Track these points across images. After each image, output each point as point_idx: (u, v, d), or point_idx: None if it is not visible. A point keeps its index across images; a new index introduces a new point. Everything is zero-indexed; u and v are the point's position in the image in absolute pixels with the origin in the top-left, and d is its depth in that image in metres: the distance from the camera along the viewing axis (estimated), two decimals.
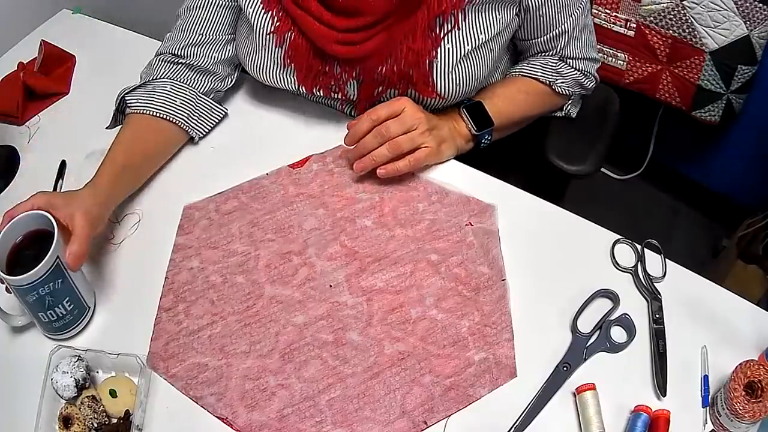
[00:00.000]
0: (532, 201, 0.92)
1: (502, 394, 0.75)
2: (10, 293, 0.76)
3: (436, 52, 0.88)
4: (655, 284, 0.82)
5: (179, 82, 0.97)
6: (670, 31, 1.52)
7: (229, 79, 1.02)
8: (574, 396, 0.74)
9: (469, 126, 0.95)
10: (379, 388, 0.76)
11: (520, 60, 1.04)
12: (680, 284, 0.82)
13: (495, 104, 0.97)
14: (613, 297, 0.81)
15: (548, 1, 0.91)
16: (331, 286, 0.84)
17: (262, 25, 0.91)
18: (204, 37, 0.97)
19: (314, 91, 0.95)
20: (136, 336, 0.81)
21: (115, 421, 0.74)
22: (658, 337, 0.77)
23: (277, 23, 0.90)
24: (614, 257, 0.85)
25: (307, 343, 0.80)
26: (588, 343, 0.78)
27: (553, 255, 0.86)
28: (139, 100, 0.94)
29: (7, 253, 0.75)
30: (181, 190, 0.95)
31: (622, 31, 1.58)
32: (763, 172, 1.66)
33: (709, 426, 0.72)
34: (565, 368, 0.76)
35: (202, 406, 0.75)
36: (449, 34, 0.87)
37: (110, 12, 1.29)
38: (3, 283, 0.75)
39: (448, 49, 0.88)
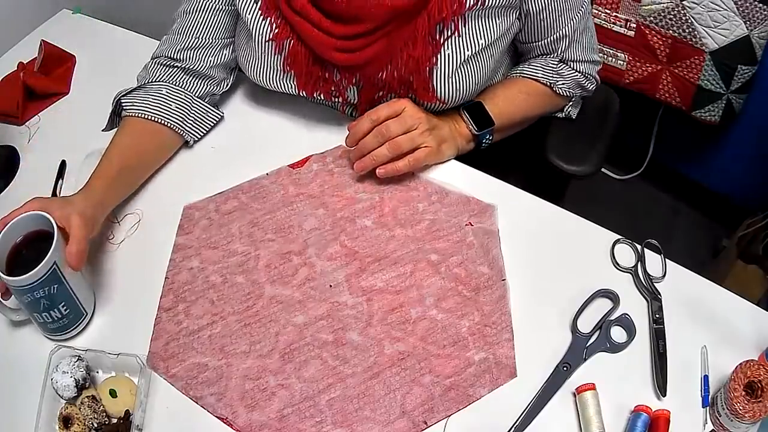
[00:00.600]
0: (532, 201, 0.92)
1: (502, 394, 0.75)
2: (11, 296, 0.76)
3: (436, 59, 0.88)
4: (655, 284, 0.82)
5: (174, 85, 0.97)
6: (670, 31, 1.52)
7: (225, 83, 1.02)
8: (574, 396, 0.74)
9: (470, 126, 0.95)
10: (379, 388, 0.76)
11: (521, 61, 1.04)
12: (680, 284, 0.82)
13: (495, 104, 0.97)
14: (613, 297, 0.81)
15: (549, 5, 0.91)
16: (331, 286, 0.84)
17: (260, 32, 0.91)
18: (200, 40, 0.96)
19: (315, 95, 0.95)
20: (136, 336, 0.81)
21: (115, 421, 0.74)
22: (658, 337, 0.77)
23: (276, 30, 0.90)
24: (614, 257, 0.85)
25: (307, 343, 0.80)
26: (588, 343, 0.78)
27: (553, 255, 0.86)
28: (134, 103, 0.94)
29: (6, 254, 0.75)
30: (181, 190, 0.95)
31: (622, 31, 1.58)
32: (763, 172, 1.67)
33: (709, 426, 0.72)
34: (565, 368, 0.76)
35: (202, 406, 0.75)
36: (449, 40, 0.87)
37: (110, 12, 1.29)
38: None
39: (448, 55, 0.88)
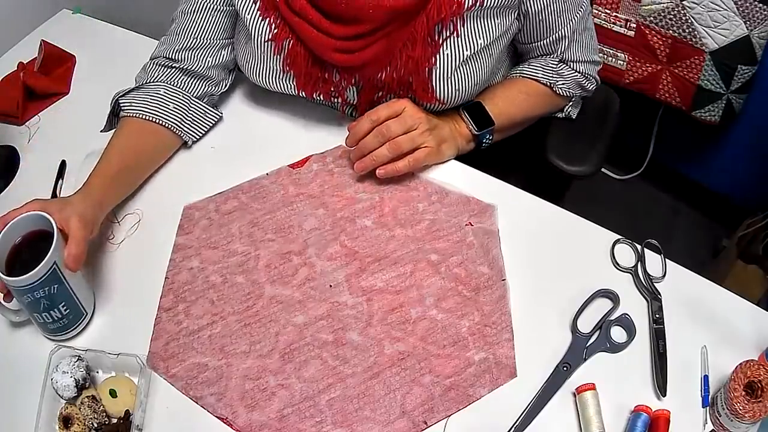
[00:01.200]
0: (532, 201, 0.92)
1: (502, 394, 0.75)
2: (12, 298, 0.76)
3: (435, 59, 0.88)
4: (655, 284, 0.82)
5: (173, 86, 0.97)
6: (670, 31, 1.52)
7: (224, 84, 1.02)
8: (574, 396, 0.74)
9: (470, 126, 0.95)
10: (379, 388, 0.76)
11: (521, 62, 1.04)
12: (680, 284, 0.82)
13: (496, 104, 0.97)
14: (613, 297, 0.81)
15: (548, 6, 0.91)
16: (331, 286, 0.84)
17: (259, 33, 0.91)
18: (198, 41, 0.96)
19: (314, 96, 0.95)
20: (136, 336, 0.81)
21: (115, 421, 0.74)
22: (658, 337, 0.77)
23: (275, 30, 0.90)
24: (614, 257, 0.85)
25: (307, 343, 0.80)
26: (588, 343, 0.78)
27: (553, 255, 0.86)
28: (132, 104, 0.94)
29: (6, 254, 0.75)
30: (181, 190, 0.95)
31: (622, 31, 1.58)
32: (763, 172, 1.67)
33: (709, 426, 0.72)
34: (565, 368, 0.76)
35: (202, 406, 0.75)
36: (448, 41, 0.87)
37: (110, 12, 1.29)
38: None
39: (447, 55, 0.88)
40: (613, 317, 0.80)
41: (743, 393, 0.68)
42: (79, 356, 0.75)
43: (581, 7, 0.94)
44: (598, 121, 1.11)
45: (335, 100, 0.96)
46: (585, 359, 0.77)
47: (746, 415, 0.67)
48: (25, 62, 1.12)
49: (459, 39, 0.87)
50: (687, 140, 1.83)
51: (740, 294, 0.82)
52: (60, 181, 0.98)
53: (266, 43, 0.91)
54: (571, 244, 0.87)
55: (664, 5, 1.48)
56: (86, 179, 0.86)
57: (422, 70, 0.88)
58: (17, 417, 0.74)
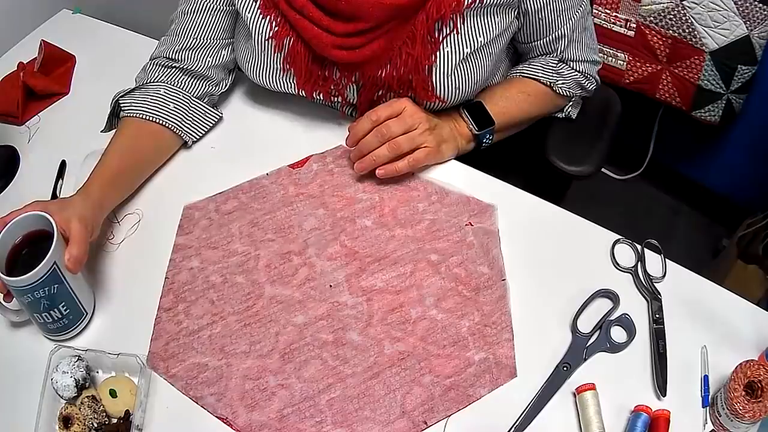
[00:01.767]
0: (532, 201, 0.92)
1: (502, 394, 0.75)
2: (12, 298, 0.76)
3: (435, 57, 0.88)
4: (655, 284, 0.82)
5: (173, 86, 0.97)
6: (670, 31, 1.52)
7: (224, 84, 1.02)
8: (574, 396, 0.74)
9: (470, 126, 0.95)
10: (379, 388, 0.76)
11: (521, 62, 1.04)
12: (680, 284, 0.82)
13: (496, 104, 0.97)
14: (613, 297, 0.81)
15: (547, 5, 0.91)
16: (331, 286, 0.84)
17: (260, 31, 0.91)
18: (198, 41, 0.96)
19: (314, 95, 0.95)
20: (136, 336, 0.81)
21: (115, 421, 0.74)
22: (658, 337, 0.77)
23: (276, 28, 0.90)
24: (614, 257, 0.85)
25: (307, 343, 0.80)
26: (588, 343, 0.78)
27: (553, 255, 0.86)
28: (132, 104, 0.94)
29: (6, 254, 0.75)
30: (181, 190, 0.95)
31: (622, 31, 1.58)
32: (763, 172, 1.67)
33: (709, 426, 0.72)
34: (565, 368, 0.76)
35: (202, 406, 0.75)
36: (448, 39, 0.87)
37: (110, 12, 1.29)
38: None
39: (447, 53, 0.88)
40: (613, 317, 0.80)
41: (743, 393, 0.68)
42: (79, 356, 0.75)
43: (580, 7, 0.95)
44: (598, 121, 1.11)
45: (335, 99, 0.96)
46: (585, 359, 0.77)
47: (746, 415, 0.67)
48: (25, 62, 1.12)
49: (459, 37, 0.87)
50: (687, 140, 1.83)
51: (740, 294, 0.82)
52: (60, 181, 0.98)
53: (266, 41, 0.91)
54: (571, 244, 0.87)
55: (664, 5, 1.48)
56: (86, 180, 0.86)
57: (422, 68, 0.88)
58: (17, 417, 0.74)
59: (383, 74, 0.90)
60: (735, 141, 1.72)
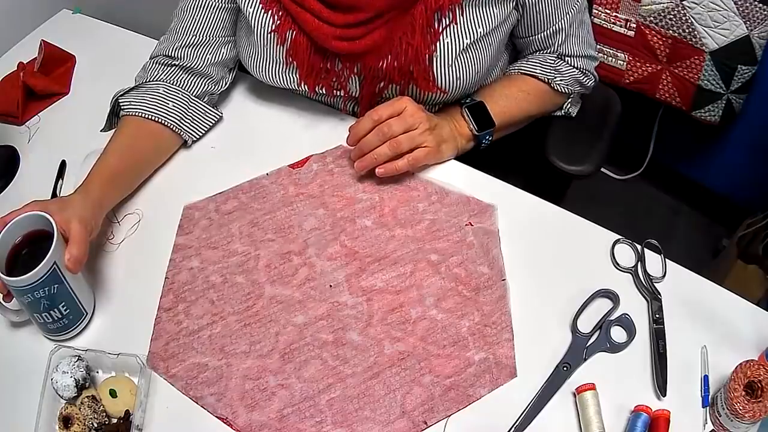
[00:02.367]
0: (532, 201, 0.92)
1: (502, 394, 0.75)
2: (12, 298, 0.76)
3: (436, 47, 0.88)
4: (655, 284, 0.82)
5: (173, 84, 0.97)
6: (670, 31, 1.52)
7: (224, 82, 1.02)
8: (574, 396, 0.74)
9: (471, 126, 0.95)
10: (379, 388, 0.76)
11: (519, 58, 1.05)
12: (680, 284, 0.82)
13: (496, 103, 0.97)
14: (613, 297, 0.81)
15: None
16: (331, 286, 0.84)
17: (262, 25, 0.91)
18: (198, 38, 0.96)
19: (316, 89, 0.95)
20: (136, 336, 0.81)
21: (115, 421, 0.74)
22: (658, 337, 0.77)
23: (278, 22, 0.91)
24: (614, 257, 0.85)
25: (307, 343, 0.80)
26: (588, 343, 0.78)
27: (553, 255, 0.86)
28: (132, 103, 0.94)
29: (6, 254, 0.75)
30: (181, 190, 0.95)
31: (622, 31, 1.58)
32: (763, 172, 1.67)
33: (709, 426, 0.72)
34: (565, 368, 0.76)
35: (202, 406, 0.75)
36: (447, 29, 0.88)
37: (110, 12, 1.29)
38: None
39: (447, 43, 0.88)
40: (613, 317, 0.80)
41: (743, 393, 0.68)
42: (79, 356, 0.75)
43: (578, 1, 0.95)
44: (598, 121, 1.11)
45: (337, 92, 0.96)
46: (585, 359, 0.77)
47: (746, 415, 0.67)
48: (25, 62, 1.12)
49: (458, 27, 0.88)
50: (687, 140, 1.83)
51: (740, 294, 0.82)
52: (60, 181, 0.98)
53: (269, 35, 0.92)
54: (571, 244, 0.87)
55: (664, 5, 1.48)
56: (85, 178, 0.86)
57: (423, 59, 0.89)
58: (17, 417, 0.74)
59: (384, 65, 0.90)
60: (735, 141, 1.72)
